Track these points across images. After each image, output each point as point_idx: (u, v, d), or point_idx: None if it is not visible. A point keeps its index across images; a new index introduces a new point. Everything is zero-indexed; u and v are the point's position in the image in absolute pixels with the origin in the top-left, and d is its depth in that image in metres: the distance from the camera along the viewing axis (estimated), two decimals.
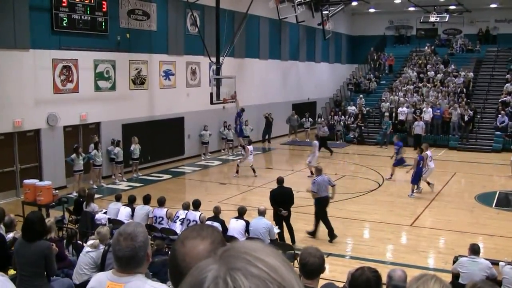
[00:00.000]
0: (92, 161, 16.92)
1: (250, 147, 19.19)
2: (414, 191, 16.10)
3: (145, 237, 2.67)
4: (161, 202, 11.19)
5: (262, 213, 10.22)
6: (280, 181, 12.09)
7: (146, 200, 11.29)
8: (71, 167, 16.32)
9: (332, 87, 35.13)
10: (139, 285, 2.60)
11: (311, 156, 19.07)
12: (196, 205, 10.94)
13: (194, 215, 10.57)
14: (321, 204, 11.94)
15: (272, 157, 23.78)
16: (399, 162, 18.14)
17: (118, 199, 11.82)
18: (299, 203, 15.14)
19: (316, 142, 19.72)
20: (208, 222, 9.97)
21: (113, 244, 2.69)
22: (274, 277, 0.90)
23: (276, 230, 10.39)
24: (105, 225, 9.61)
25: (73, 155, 16.07)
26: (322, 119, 27.10)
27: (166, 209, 11.06)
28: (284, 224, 11.53)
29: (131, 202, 11.43)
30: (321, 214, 11.94)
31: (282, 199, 11.65)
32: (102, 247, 7.30)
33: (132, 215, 11.03)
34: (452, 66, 31.46)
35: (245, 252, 0.94)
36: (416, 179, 15.91)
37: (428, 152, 16.61)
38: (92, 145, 17.15)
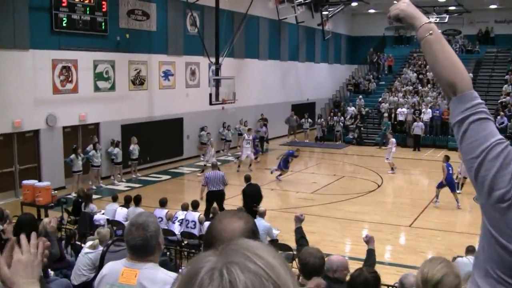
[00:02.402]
0: (90, 161, 16.91)
1: (212, 140, 19.65)
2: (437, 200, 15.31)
3: (156, 227, 2.81)
4: (163, 203, 11.21)
5: (261, 214, 10.23)
6: (247, 178, 12.77)
7: (137, 201, 11.28)
8: (70, 168, 16.31)
9: (331, 87, 35.13)
10: (153, 272, 2.75)
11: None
12: (195, 205, 10.95)
13: (193, 215, 10.58)
14: (209, 197, 12.79)
15: (270, 157, 23.76)
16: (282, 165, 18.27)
17: (114, 199, 11.82)
18: (298, 203, 15.17)
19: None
20: (207, 223, 9.99)
21: (125, 234, 2.84)
22: (270, 275, 0.91)
23: (276, 231, 10.40)
24: (104, 225, 9.61)
25: (72, 156, 16.05)
26: (261, 120, 26.69)
27: (166, 211, 11.06)
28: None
29: (127, 203, 11.43)
30: (207, 205, 12.57)
31: (253, 196, 11.97)
32: (101, 248, 7.28)
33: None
34: None
35: (245, 248, 0.95)
36: (453, 186, 15.08)
37: (393, 140, 19.93)
38: (91, 145, 17.15)
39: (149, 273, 2.74)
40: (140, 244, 2.75)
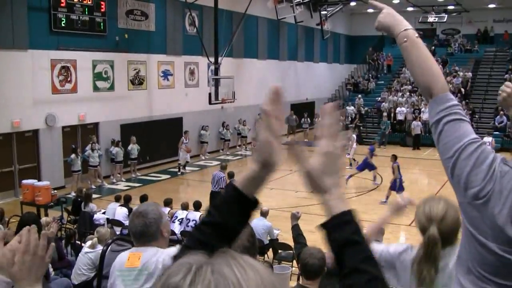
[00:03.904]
0: (87, 161, 16.95)
1: (185, 140, 19.97)
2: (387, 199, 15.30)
3: (156, 215, 2.95)
4: (167, 203, 11.27)
5: (264, 214, 10.26)
6: (231, 175, 12.81)
7: (143, 200, 11.30)
8: (70, 167, 16.33)
9: (330, 87, 35.14)
10: (154, 252, 2.90)
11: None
12: (197, 206, 11.02)
13: (194, 215, 10.64)
14: (210, 197, 12.57)
15: None
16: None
17: (117, 199, 11.85)
18: (298, 202, 15.17)
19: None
20: None
21: (128, 222, 3.10)
22: (241, 284, 0.85)
23: (276, 231, 10.43)
24: (103, 225, 9.62)
25: (73, 155, 16.08)
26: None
27: (168, 209, 11.09)
28: None
29: (126, 202, 11.45)
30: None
31: None
32: (100, 247, 7.28)
33: (129, 215, 11.03)
34: (455, 68, 31.32)
35: (233, 257, 0.90)
36: (401, 186, 15.04)
37: (353, 136, 20.91)
38: (90, 145, 17.16)
39: (152, 253, 2.88)
40: (140, 231, 2.92)
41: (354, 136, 21.34)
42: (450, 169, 1.62)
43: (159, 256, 2.86)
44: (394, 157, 15.53)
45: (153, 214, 2.94)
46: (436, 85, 1.68)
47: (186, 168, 20.16)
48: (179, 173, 19.87)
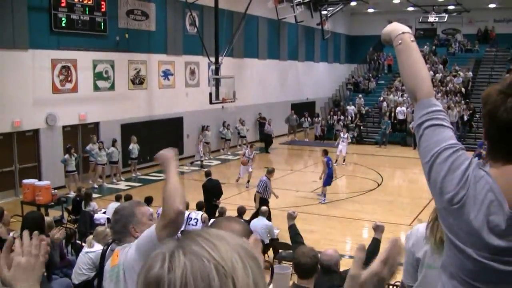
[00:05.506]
0: (94, 159, 16.96)
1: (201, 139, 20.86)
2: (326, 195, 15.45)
3: (127, 212, 2.89)
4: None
5: (264, 213, 10.27)
6: (208, 174, 12.89)
7: (149, 201, 11.31)
8: (65, 168, 16.34)
9: (331, 87, 35.15)
10: (127, 248, 2.77)
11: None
12: (199, 206, 11.07)
13: (196, 214, 10.69)
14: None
15: (271, 157, 23.78)
16: None
17: (118, 199, 11.86)
18: (298, 202, 15.18)
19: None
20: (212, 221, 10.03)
21: None
22: (213, 256, 0.91)
23: (276, 231, 10.44)
24: (104, 224, 9.63)
25: (66, 156, 16.09)
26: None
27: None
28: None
29: (126, 201, 11.45)
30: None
31: (213, 190, 12.09)
32: (97, 245, 7.27)
33: None
34: (456, 67, 31.28)
35: (198, 234, 0.96)
36: (328, 181, 15.30)
37: (342, 134, 21.55)
38: (95, 144, 17.16)
39: (125, 248, 2.77)
40: (112, 227, 3.03)
41: (347, 135, 21.70)
42: (427, 174, 1.64)
43: (127, 251, 2.76)
44: (325, 152, 15.80)
45: (124, 211, 2.92)
46: (421, 90, 1.71)
47: (189, 167, 20.20)
48: (186, 169, 20.09)
